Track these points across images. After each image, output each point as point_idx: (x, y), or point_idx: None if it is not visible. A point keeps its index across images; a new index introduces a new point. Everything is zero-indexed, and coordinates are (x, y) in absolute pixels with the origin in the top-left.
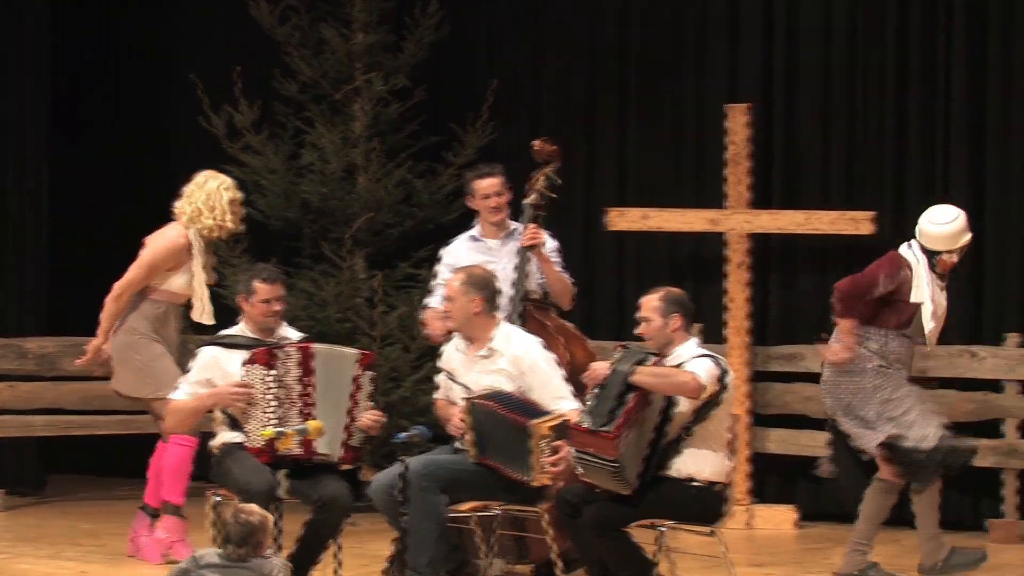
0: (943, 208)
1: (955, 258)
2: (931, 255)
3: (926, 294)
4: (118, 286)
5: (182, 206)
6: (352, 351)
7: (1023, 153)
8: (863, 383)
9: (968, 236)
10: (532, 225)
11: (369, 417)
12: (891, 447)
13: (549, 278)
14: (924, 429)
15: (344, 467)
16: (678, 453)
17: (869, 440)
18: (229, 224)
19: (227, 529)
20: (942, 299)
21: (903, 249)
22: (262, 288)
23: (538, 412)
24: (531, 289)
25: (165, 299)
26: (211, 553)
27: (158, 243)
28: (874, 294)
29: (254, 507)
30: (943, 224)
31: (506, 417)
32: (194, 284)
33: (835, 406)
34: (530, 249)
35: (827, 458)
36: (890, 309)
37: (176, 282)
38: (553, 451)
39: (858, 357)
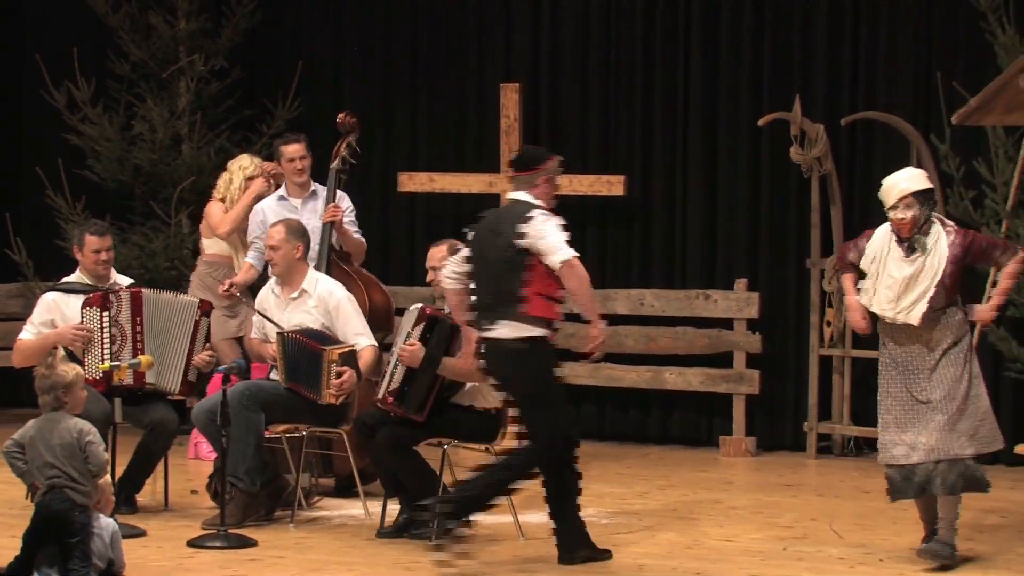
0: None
1: (899, 214)
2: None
3: (880, 263)
4: None
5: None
6: (193, 300)
7: (750, 123)
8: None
9: (902, 189)
10: (332, 204)
11: (203, 356)
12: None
13: (347, 244)
14: (886, 439)
15: (179, 398)
16: (462, 386)
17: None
18: None
19: (36, 383)
20: (901, 268)
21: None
22: (91, 240)
23: (333, 342)
24: (334, 243)
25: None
26: None
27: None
28: (846, 262)
29: (65, 366)
30: (884, 183)
31: (307, 345)
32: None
33: None
34: (331, 225)
35: None
36: None
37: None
38: (339, 375)
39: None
